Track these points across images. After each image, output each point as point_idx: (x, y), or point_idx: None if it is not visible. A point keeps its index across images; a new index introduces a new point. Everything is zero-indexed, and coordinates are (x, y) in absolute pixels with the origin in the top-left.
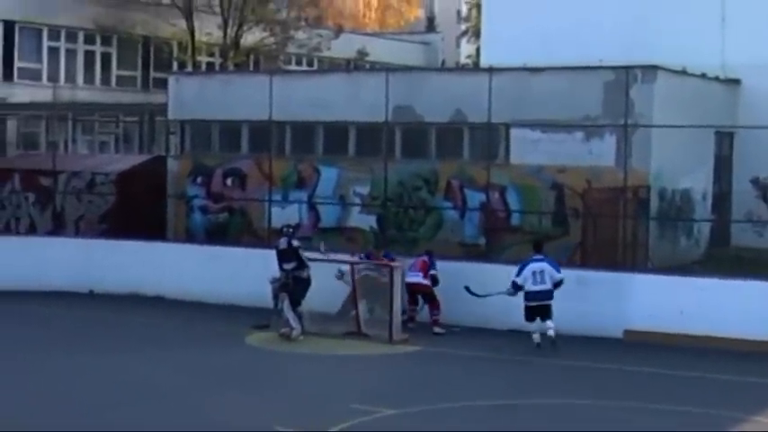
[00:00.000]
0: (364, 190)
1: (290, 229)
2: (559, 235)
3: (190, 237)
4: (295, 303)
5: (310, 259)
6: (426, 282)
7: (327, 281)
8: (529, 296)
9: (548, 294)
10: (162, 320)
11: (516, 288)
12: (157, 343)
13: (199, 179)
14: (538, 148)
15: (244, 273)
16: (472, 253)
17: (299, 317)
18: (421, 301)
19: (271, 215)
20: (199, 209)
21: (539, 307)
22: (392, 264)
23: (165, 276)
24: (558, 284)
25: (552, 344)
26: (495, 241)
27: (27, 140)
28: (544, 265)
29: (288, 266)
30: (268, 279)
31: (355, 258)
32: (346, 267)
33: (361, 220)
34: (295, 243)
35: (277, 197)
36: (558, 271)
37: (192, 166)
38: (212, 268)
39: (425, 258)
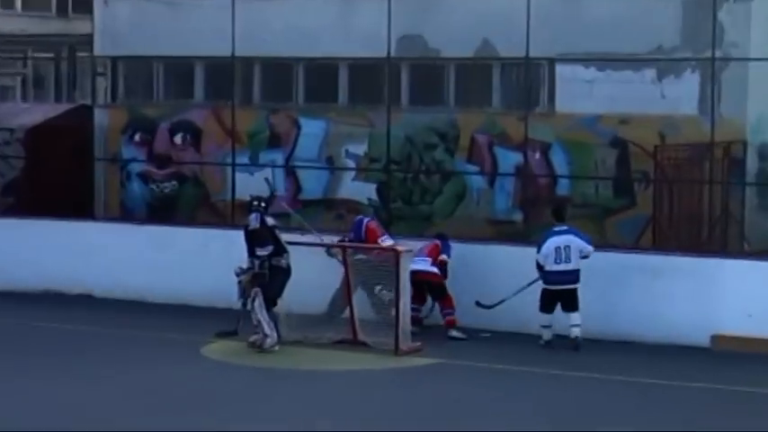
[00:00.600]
0: (360, 150)
1: (262, 203)
2: (623, 208)
3: (126, 214)
4: (270, 302)
5: (290, 243)
6: (435, 270)
7: (313, 271)
8: (549, 278)
9: (573, 276)
10: (90, 327)
11: (540, 269)
12: (84, 358)
13: (137, 136)
14: (593, 92)
15: (200, 262)
16: (505, 233)
17: (275, 320)
18: (430, 300)
19: (235, 184)
20: (138, 176)
21: (561, 293)
22: (397, 248)
23: (94, 267)
24: (584, 258)
25: (575, 348)
26: (535, 217)
27: None
28: (570, 239)
29: (261, 252)
30: (234, 270)
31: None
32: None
33: (357, 191)
34: (270, 221)
35: (243, 160)
36: (589, 243)
37: (127, 119)
38: (157, 256)
39: (437, 242)
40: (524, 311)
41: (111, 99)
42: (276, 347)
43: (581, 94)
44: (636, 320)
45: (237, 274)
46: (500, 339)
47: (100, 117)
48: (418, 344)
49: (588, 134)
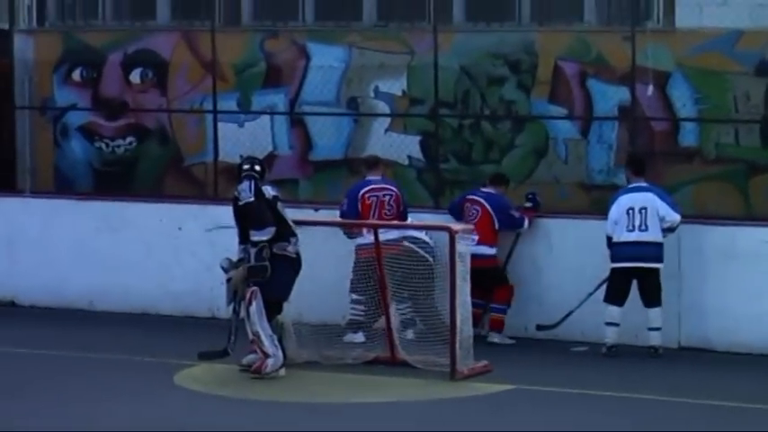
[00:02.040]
0: (396, 88)
1: (256, 166)
2: None
3: (62, 185)
4: (273, 307)
5: (299, 222)
6: (488, 251)
7: (332, 264)
8: (619, 252)
9: (654, 251)
10: (14, 347)
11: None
12: (13, 389)
13: (76, 74)
14: (727, 0)
15: (170, 252)
16: (605, 202)
17: (279, 333)
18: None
19: (217, 140)
20: (79, 131)
21: (636, 273)
22: (453, 227)
23: (17, 263)
24: (667, 231)
25: (653, 354)
26: (650, 178)
27: None
28: (649, 198)
29: (258, 237)
30: (220, 263)
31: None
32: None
33: (392, 146)
34: (269, 191)
35: (230, 104)
36: (674, 209)
37: (61, 49)
38: (108, 245)
39: (485, 206)
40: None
41: (38, 21)
42: (281, 371)
43: (711, 2)
44: None
45: (225, 269)
46: (560, 350)
47: (22, 47)
48: (483, 363)
49: (724, 59)
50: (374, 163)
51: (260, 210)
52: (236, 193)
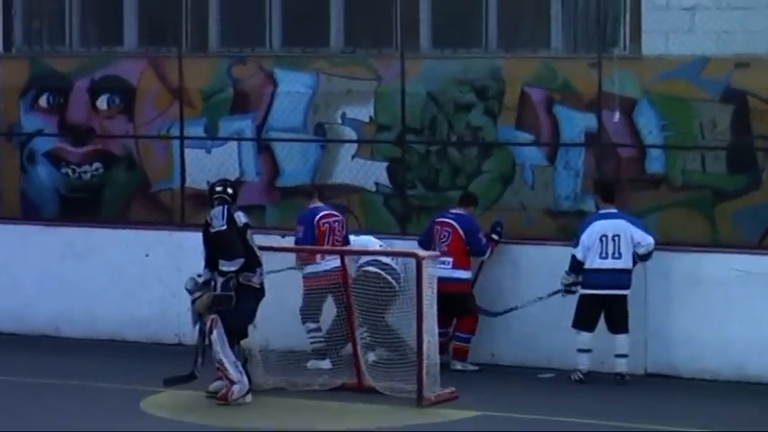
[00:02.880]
0: (363, 114)
1: (228, 190)
2: (742, 190)
3: (28, 211)
4: (235, 333)
5: (264, 248)
6: (461, 275)
7: (297, 289)
8: (591, 278)
9: (624, 278)
10: None
11: (578, 270)
12: None
13: (43, 100)
14: (695, 25)
15: (136, 277)
16: (572, 229)
17: (244, 360)
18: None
19: (184, 166)
20: (45, 157)
21: (607, 300)
22: (419, 253)
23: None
24: (643, 257)
25: (620, 381)
26: (617, 205)
27: None
28: (621, 225)
29: (227, 267)
30: (185, 284)
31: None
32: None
33: (359, 172)
34: (240, 218)
35: (197, 131)
36: (647, 232)
37: (28, 74)
38: (74, 270)
39: (455, 227)
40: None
41: (5, 47)
42: (248, 398)
43: (678, 27)
44: (761, 352)
45: (190, 291)
46: (527, 376)
47: None
48: (450, 389)
49: (690, 86)
50: (313, 192)
51: (231, 240)
52: (207, 218)
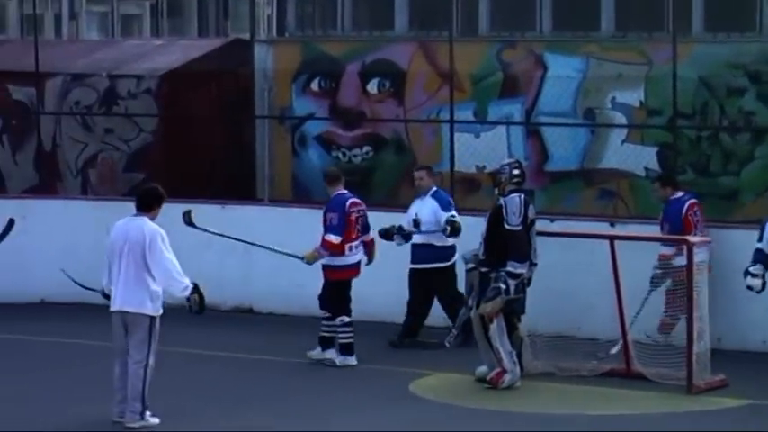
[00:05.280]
0: (633, 98)
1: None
2: None
3: (300, 194)
4: (511, 321)
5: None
6: None
7: (564, 274)
8: None
9: None
10: (251, 352)
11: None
12: (251, 396)
13: (315, 84)
14: None
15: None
16: None
17: (518, 347)
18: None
19: (453, 150)
20: (316, 141)
21: None
22: (692, 239)
23: (256, 268)
24: None
25: None
26: None
27: None
28: None
29: (518, 269)
30: (463, 255)
31: None
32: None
33: (628, 157)
34: (531, 212)
35: (466, 115)
36: None
37: (300, 59)
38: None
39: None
40: None
41: (278, 31)
42: (518, 384)
43: None
44: None
45: (466, 261)
46: None
47: (262, 57)
48: (720, 377)
49: None
50: (339, 177)
51: (523, 241)
52: (501, 203)
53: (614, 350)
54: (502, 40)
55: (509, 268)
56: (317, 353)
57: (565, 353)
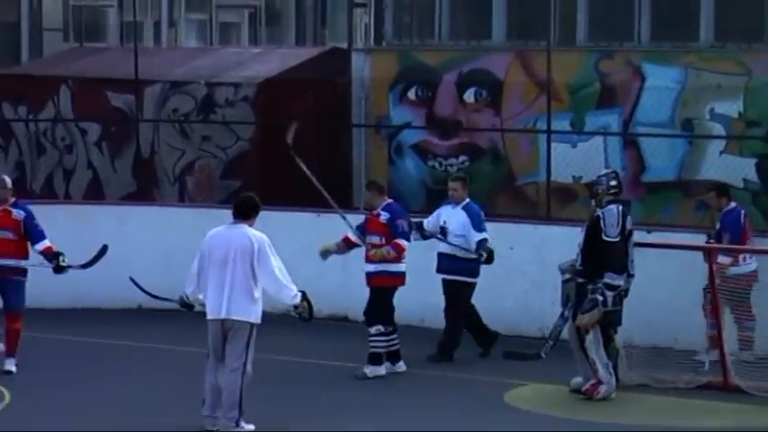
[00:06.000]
0: (732, 109)
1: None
2: None
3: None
4: (608, 332)
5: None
6: None
7: (665, 283)
8: None
9: None
10: (350, 360)
11: None
12: (338, 406)
13: (412, 93)
14: None
15: (498, 269)
16: None
17: (614, 359)
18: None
19: (550, 160)
20: (413, 149)
21: None
22: None
23: (354, 278)
24: None
25: None
26: None
27: (85, 23)
28: None
29: (616, 281)
30: (559, 266)
31: None
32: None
33: (726, 168)
34: (629, 223)
35: (563, 124)
36: None
37: (398, 68)
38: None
39: None
40: None
41: (375, 40)
42: (613, 395)
43: None
44: None
45: (562, 271)
46: None
47: (359, 66)
48: None
49: None
50: (383, 187)
51: (621, 253)
52: (599, 214)
53: (705, 358)
54: (600, 49)
55: (606, 280)
56: (389, 366)
57: (661, 365)
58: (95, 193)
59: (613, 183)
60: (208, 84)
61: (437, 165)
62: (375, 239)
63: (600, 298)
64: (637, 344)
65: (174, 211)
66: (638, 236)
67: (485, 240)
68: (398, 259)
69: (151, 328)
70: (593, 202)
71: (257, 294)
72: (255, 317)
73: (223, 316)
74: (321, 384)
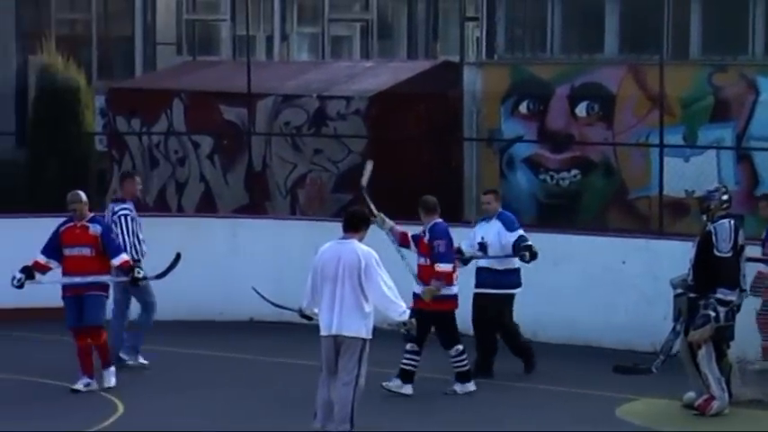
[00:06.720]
0: None
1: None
2: None
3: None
4: (721, 348)
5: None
6: None
7: None
8: None
9: None
10: (440, 370)
11: None
12: (433, 410)
13: (523, 107)
14: None
15: (610, 283)
16: None
17: (727, 374)
18: None
19: (663, 174)
20: (525, 163)
21: None
22: None
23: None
24: None
25: None
26: None
27: (198, 37)
28: None
29: (728, 296)
30: (671, 281)
31: None
32: None
33: None
34: (741, 237)
35: (676, 138)
36: None
37: (509, 81)
38: (550, 275)
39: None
40: None
41: (487, 54)
42: (726, 411)
43: None
44: None
45: (674, 286)
46: None
47: (471, 79)
48: None
49: None
50: (435, 206)
51: (734, 268)
52: (711, 229)
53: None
54: (713, 63)
55: (719, 295)
56: (395, 385)
57: None
58: (208, 206)
59: (725, 197)
60: (320, 97)
61: (549, 178)
62: (421, 260)
63: (712, 314)
64: (750, 359)
65: (287, 224)
66: (751, 251)
67: (522, 238)
68: (450, 282)
69: (264, 341)
70: (704, 218)
71: (368, 309)
72: (366, 332)
73: (334, 332)
74: (422, 397)
